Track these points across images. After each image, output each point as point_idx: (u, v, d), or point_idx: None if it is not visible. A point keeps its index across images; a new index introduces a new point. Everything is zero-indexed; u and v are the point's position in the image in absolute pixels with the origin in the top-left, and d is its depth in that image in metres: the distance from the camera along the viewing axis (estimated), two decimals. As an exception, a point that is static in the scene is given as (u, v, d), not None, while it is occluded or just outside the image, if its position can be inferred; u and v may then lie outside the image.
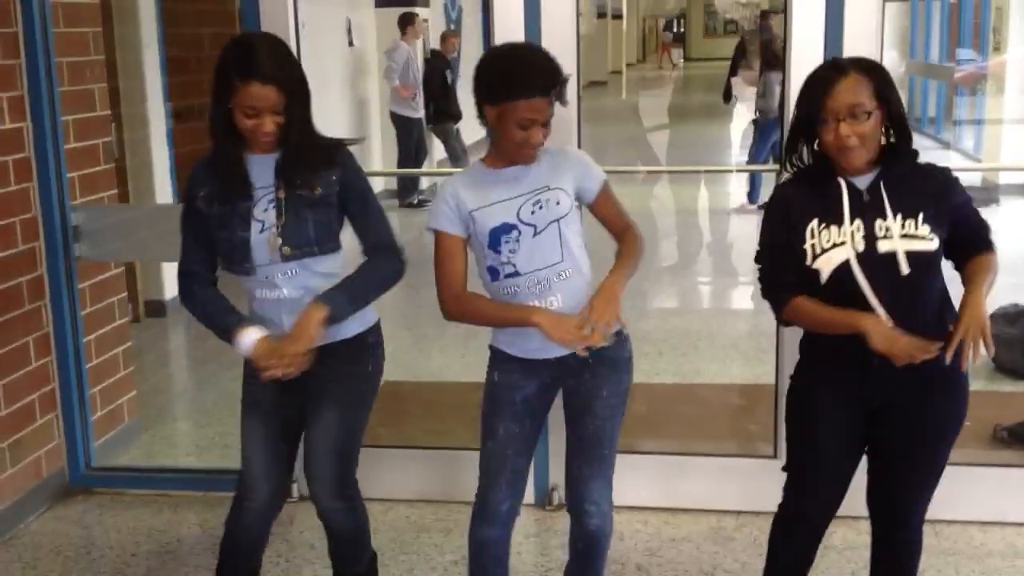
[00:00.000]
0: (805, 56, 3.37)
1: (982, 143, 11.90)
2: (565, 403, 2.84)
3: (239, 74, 2.53)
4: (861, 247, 2.45)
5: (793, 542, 2.82)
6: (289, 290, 2.69)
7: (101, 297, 4.22)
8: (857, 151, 2.45)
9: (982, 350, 2.45)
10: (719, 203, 9.78)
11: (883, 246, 2.45)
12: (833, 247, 2.47)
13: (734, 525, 3.69)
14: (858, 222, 2.47)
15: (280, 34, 3.49)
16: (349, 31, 10.11)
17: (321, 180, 2.69)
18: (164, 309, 6.47)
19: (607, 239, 2.83)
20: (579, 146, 3.57)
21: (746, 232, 8.58)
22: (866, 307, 2.45)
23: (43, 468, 3.96)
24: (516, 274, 2.66)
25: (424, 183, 10.79)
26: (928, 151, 13.26)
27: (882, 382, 2.52)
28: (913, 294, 2.48)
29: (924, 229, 2.46)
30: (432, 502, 3.90)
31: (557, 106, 2.64)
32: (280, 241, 2.64)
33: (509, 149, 2.64)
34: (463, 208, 2.67)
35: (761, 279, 2.64)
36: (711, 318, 6.69)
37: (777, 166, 3.25)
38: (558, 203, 2.66)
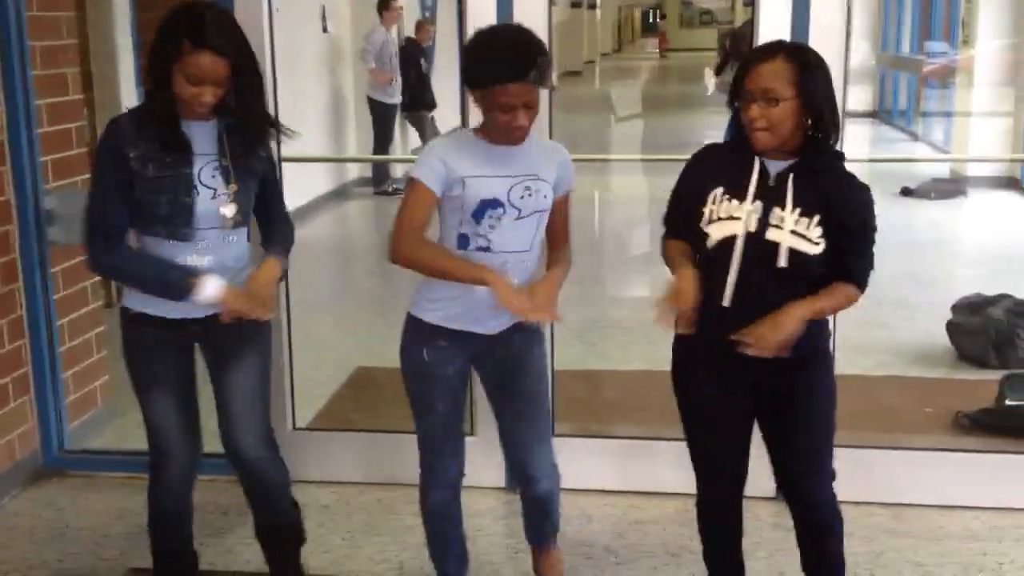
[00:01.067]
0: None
1: (951, 135, 12.03)
2: (495, 376, 2.90)
3: (191, 39, 2.53)
4: (752, 228, 2.52)
5: (712, 520, 2.90)
6: (219, 259, 2.72)
7: (74, 281, 4.23)
8: (762, 134, 2.51)
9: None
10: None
11: (771, 234, 2.52)
12: (728, 219, 2.54)
13: (700, 508, 3.75)
14: (758, 204, 2.54)
15: (254, 19, 3.55)
16: (324, 17, 10.08)
17: (256, 155, 2.78)
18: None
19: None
20: (550, 135, 3.61)
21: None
22: (723, 279, 2.54)
23: (16, 451, 3.98)
24: (487, 249, 2.70)
25: (398, 171, 10.80)
26: (897, 143, 13.44)
27: (743, 362, 2.57)
28: (782, 288, 2.53)
29: (815, 232, 2.52)
30: (404, 485, 3.92)
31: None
32: (234, 208, 2.69)
33: (495, 131, 2.67)
34: (454, 170, 2.67)
35: (665, 216, 2.77)
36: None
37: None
38: (545, 196, 2.72)
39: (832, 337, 3.52)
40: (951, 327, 5.36)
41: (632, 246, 8.00)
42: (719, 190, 2.57)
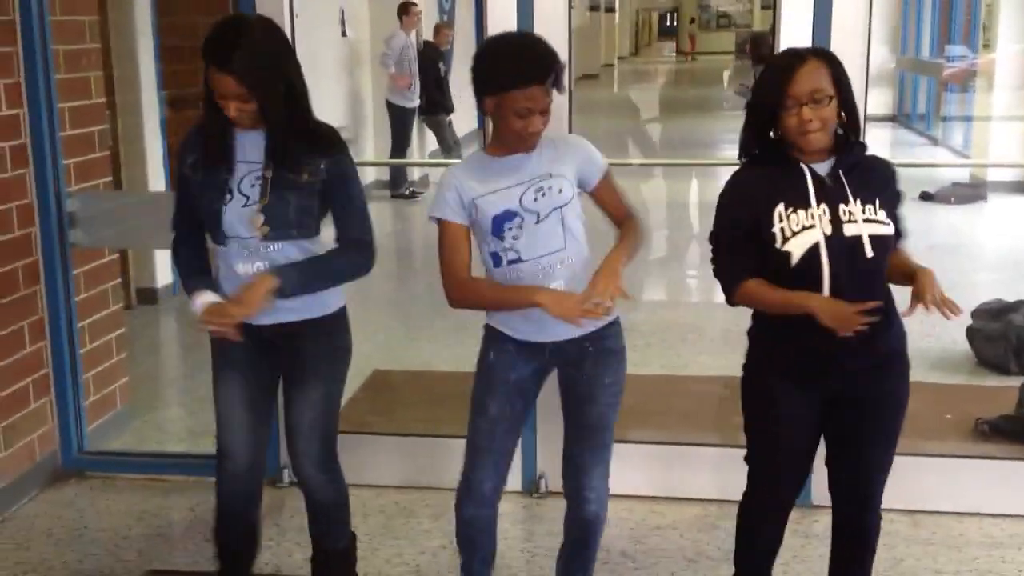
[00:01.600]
0: (794, 51, 3.43)
1: (971, 139, 11.97)
2: (565, 391, 2.87)
3: (205, 56, 2.58)
4: (829, 230, 2.52)
5: (760, 530, 2.88)
6: (264, 268, 2.72)
7: (95, 283, 4.26)
8: (818, 135, 2.52)
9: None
10: (709, 196, 9.79)
11: (849, 229, 2.52)
12: (803, 230, 2.52)
13: (718, 513, 3.75)
14: (824, 206, 2.53)
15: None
16: (343, 21, 10.11)
17: (308, 166, 2.72)
18: (156, 296, 6.50)
19: (606, 229, 2.87)
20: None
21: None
22: (819, 289, 2.52)
23: (36, 452, 4.00)
24: (519, 260, 2.69)
25: (415, 174, 10.82)
26: (917, 147, 13.38)
27: (835, 366, 2.58)
28: (873, 276, 2.56)
29: (882, 214, 2.55)
30: (421, 488, 3.95)
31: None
32: (262, 219, 2.68)
33: (509, 138, 2.67)
34: (465, 196, 2.70)
35: (715, 260, 2.70)
36: (700, 311, 6.74)
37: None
38: (560, 191, 2.70)
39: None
40: (971, 332, 5.33)
41: (650, 250, 7.99)
42: (780, 207, 2.54)
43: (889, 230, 2.55)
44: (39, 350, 3.99)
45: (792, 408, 2.67)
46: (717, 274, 2.69)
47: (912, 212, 2.66)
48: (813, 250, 2.51)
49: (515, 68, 2.59)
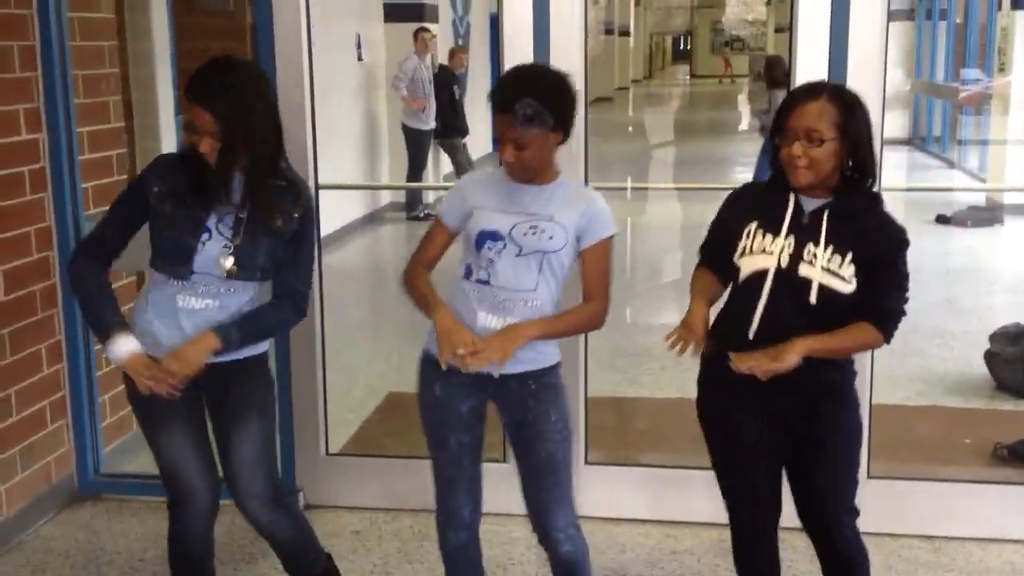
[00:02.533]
0: (810, 74, 3.41)
1: (987, 163, 11.94)
2: (512, 434, 2.85)
3: (186, 91, 2.62)
4: (784, 263, 2.54)
5: (747, 555, 2.86)
6: (224, 305, 2.72)
7: (112, 306, 4.27)
8: (802, 171, 2.53)
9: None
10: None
11: (803, 269, 2.53)
12: (761, 253, 2.56)
13: (735, 538, 3.72)
14: (791, 239, 2.55)
15: (292, 48, 3.59)
16: (359, 45, 10.18)
17: (282, 214, 2.73)
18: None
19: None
20: (586, 161, 3.62)
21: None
22: (751, 312, 2.55)
23: (52, 474, 4.01)
24: (486, 283, 2.69)
25: (430, 196, 10.86)
26: (932, 170, 13.35)
27: (767, 396, 2.59)
28: (807, 326, 2.52)
29: (847, 270, 2.52)
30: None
31: None
32: (232, 261, 2.69)
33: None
34: (467, 201, 2.76)
35: (701, 247, 2.82)
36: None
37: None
38: (551, 238, 2.68)
39: (871, 367, 3.50)
40: (989, 356, 5.30)
41: (664, 273, 7.99)
42: (753, 225, 2.60)
43: (845, 288, 2.51)
44: (56, 372, 4.01)
45: (740, 433, 2.69)
46: (699, 253, 2.82)
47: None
48: (760, 276, 2.55)
49: (493, 93, 2.66)
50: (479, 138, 11.91)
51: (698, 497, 3.83)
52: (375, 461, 4.13)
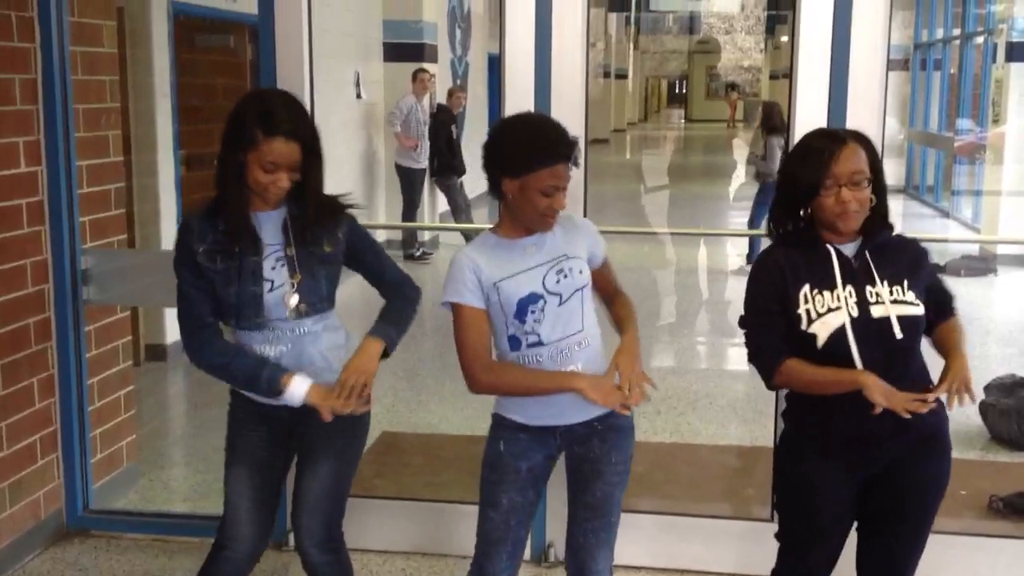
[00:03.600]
0: (809, 122, 3.44)
1: (980, 213, 12.00)
2: (571, 471, 2.83)
3: (263, 128, 2.56)
4: (855, 312, 2.52)
5: None
6: (296, 349, 2.70)
7: (106, 340, 4.25)
8: (856, 216, 2.54)
9: (966, 400, 2.56)
10: (718, 263, 9.85)
11: (876, 311, 2.52)
12: (829, 311, 2.53)
13: (729, 587, 3.69)
14: (849, 288, 2.54)
15: (295, 86, 3.60)
16: (358, 84, 10.24)
17: (329, 237, 2.74)
18: (165, 353, 6.49)
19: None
20: (585, 202, 3.63)
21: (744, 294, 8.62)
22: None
23: (42, 509, 3.97)
24: (540, 343, 2.67)
25: (426, 235, 10.87)
26: (926, 219, 13.41)
27: (873, 446, 2.57)
28: (905, 358, 2.55)
29: (910, 295, 2.55)
30: (428, 555, 3.90)
31: None
32: (297, 299, 2.67)
33: (530, 218, 2.66)
34: (485, 279, 2.67)
35: (748, 343, 2.68)
36: (709, 378, 6.71)
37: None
38: (581, 272, 2.71)
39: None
40: (984, 408, 5.29)
41: (659, 316, 7.98)
42: (806, 288, 2.56)
43: (918, 311, 2.54)
44: (48, 407, 3.98)
45: (830, 489, 2.65)
46: (752, 358, 2.66)
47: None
48: (839, 332, 2.51)
49: (542, 147, 2.61)
50: (476, 178, 11.94)
51: (692, 545, 3.81)
52: (367, 502, 4.08)
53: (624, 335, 2.75)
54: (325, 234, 2.74)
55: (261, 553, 2.90)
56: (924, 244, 2.71)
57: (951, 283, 2.68)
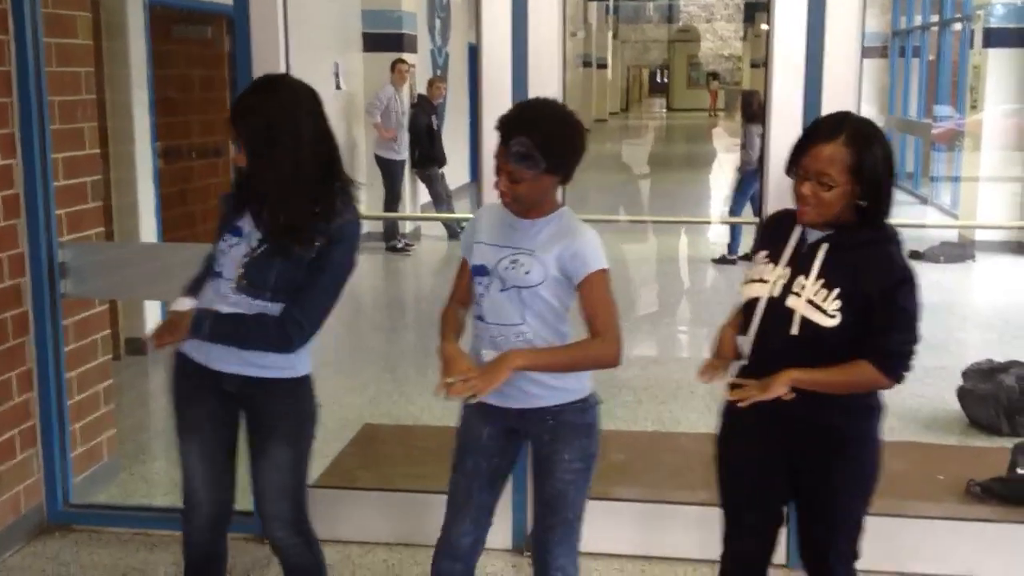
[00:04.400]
0: (785, 110, 3.47)
1: (959, 199, 12.07)
2: (533, 464, 2.86)
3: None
4: (776, 293, 2.57)
5: None
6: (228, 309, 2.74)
7: (84, 334, 4.23)
8: (808, 210, 2.54)
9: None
10: (699, 252, 9.87)
11: (790, 301, 2.55)
12: (758, 281, 2.60)
13: (710, 574, 3.70)
14: (788, 270, 2.58)
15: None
16: (337, 75, 10.20)
17: (304, 242, 2.67)
18: (145, 347, 6.47)
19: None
20: (563, 194, 3.62)
21: (726, 282, 8.66)
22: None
23: (22, 504, 3.95)
24: (481, 319, 2.73)
25: (407, 226, 10.86)
26: (905, 206, 13.48)
27: (777, 430, 2.62)
28: (798, 354, 2.52)
29: (832, 305, 2.49)
30: (411, 545, 3.90)
31: None
32: (242, 271, 2.70)
33: None
34: (473, 237, 2.80)
35: None
36: (690, 367, 6.69)
37: (757, 219, 3.31)
38: (527, 272, 2.66)
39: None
40: (962, 393, 5.33)
41: (640, 306, 8.00)
42: (762, 253, 2.66)
43: (828, 322, 2.48)
44: (26, 401, 3.96)
45: (749, 467, 2.72)
46: None
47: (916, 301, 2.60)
48: (753, 303, 2.60)
49: (504, 117, 2.67)
50: (457, 168, 11.93)
51: (675, 532, 3.83)
52: (349, 493, 4.09)
53: (526, 349, 2.64)
54: (302, 235, 2.67)
55: (227, 517, 2.97)
56: (906, 282, 2.51)
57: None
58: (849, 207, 2.52)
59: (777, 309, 2.55)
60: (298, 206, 2.67)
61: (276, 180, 2.65)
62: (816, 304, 2.50)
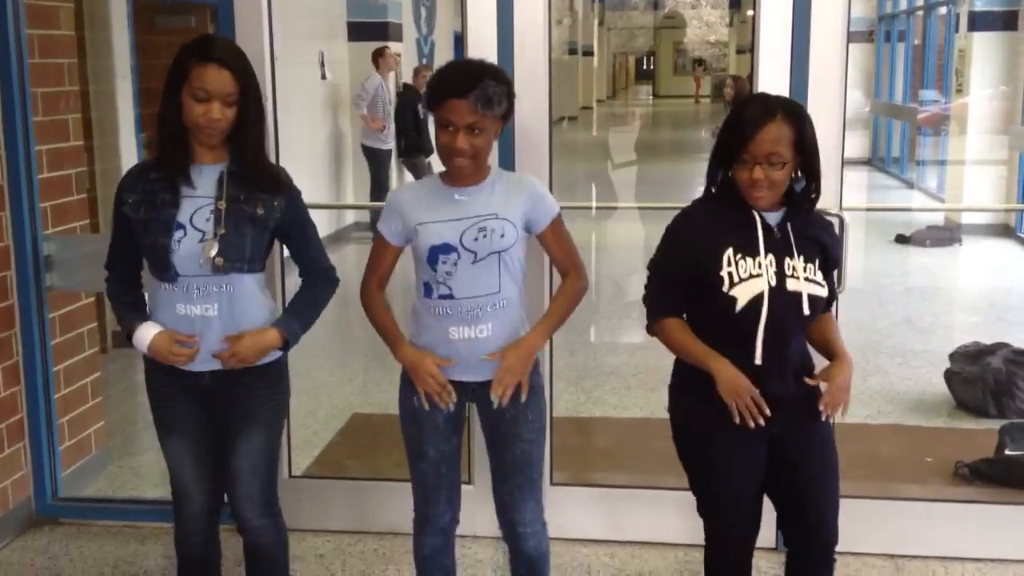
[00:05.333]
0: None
1: (945, 183, 12.10)
2: (489, 431, 2.88)
3: (195, 56, 2.62)
4: (774, 282, 2.56)
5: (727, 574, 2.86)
6: (228, 310, 2.72)
7: (71, 327, 4.21)
8: (765, 194, 2.56)
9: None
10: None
11: (791, 284, 2.57)
12: (751, 278, 2.56)
13: (701, 558, 3.71)
14: (771, 257, 2.57)
15: (255, 67, 3.55)
16: (322, 64, 10.16)
17: (263, 202, 2.74)
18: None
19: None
20: (550, 180, 3.62)
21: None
22: (751, 339, 2.55)
23: (10, 498, 3.94)
24: (450, 296, 2.71)
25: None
26: (892, 190, 13.52)
27: (778, 409, 2.60)
28: (800, 334, 2.64)
29: (819, 275, 2.61)
30: (401, 534, 3.89)
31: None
32: (216, 250, 2.67)
33: (440, 156, 2.69)
34: (408, 219, 2.74)
35: (648, 286, 2.74)
36: (679, 353, 6.74)
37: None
38: (502, 235, 2.69)
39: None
40: (949, 376, 5.36)
41: (627, 292, 8.00)
42: (729, 251, 2.57)
43: (824, 292, 2.61)
44: (13, 395, 3.94)
45: (731, 454, 2.68)
46: (645, 300, 2.74)
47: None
48: (757, 299, 2.55)
49: (439, 81, 2.67)
50: (443, 157, 11.88)
51: (664, 517, 3.83)
52: (339, 483, 4.09)
53: (533, 328, 2.79)
54: (261, 197, 2.74)
55: (219, 506, 2.98)
56: (837, 227, 2.77)
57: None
58: (786, 186, 2.59)
59: (781, 297, 2.55)
60: (261, 164, 2.77)
61: (256, 137, 2.71)
62: (812, 279, 2.58)
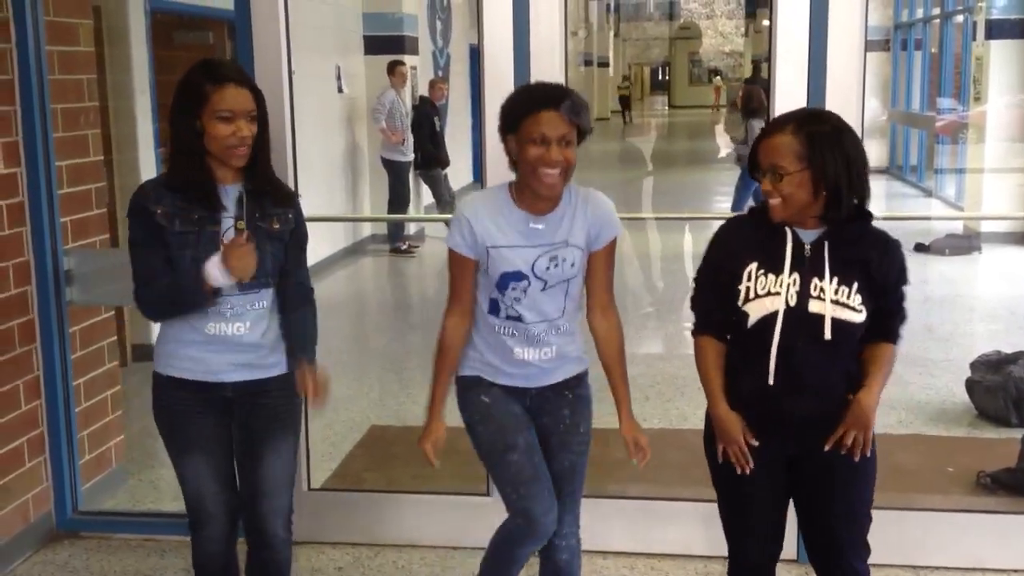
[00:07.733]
0: (788, 104, 3.43)
1: (963, 191, 12.04)
2: (541, 436, 2.84)
3: (211, 79, 2.63)
4: (793, 302, 2.49)
5: None
6: (248, 325, 2.73)
7: (91, 341, 4.23)
8: (776, 206, 2.50)
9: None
10: (702, 249, 9.80)
11: (813, 306, 2.48)
12: (767, 295, 2.50)
13: (720, 571, 3.69)
14: (795, 276, 2.50)
15: (273, 81, 3.59)
16: (339, 78, 10.21)
17: (279, 216, 2.78)
18: (152, 353, 6.45)
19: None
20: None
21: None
22: (765, 357, 2.50)
23: (31, 512, 3.95)
24: (519, 319, 2.71)
25: (411, 228, 10.86)
26: (910, 198, 13.47)
27: (794, 430, 2.57)
28: (831, 359, 2.52)
29: (856, 299, 2.49)
30: (419, 547, 3.90)
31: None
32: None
33: (528, 175, 2.62)
34: (480, 240, 2.69)
35: (694, 297, 2.70)
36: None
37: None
38: (572, 264, 2.70)
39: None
40: (970, 385, 5.32)
41: (645, 303, 7.99)
42: (754, 266, 2.52)
43: (857, 318, 2.48)
44: (34, 409, 3.96)
45: (753, 484, 2.63)
46: (692, 307, 2.71)
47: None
48: (769, 318, 2.49)
49: (531, 94, 2.67)
50: (459, 169, 11.93)
51: (684, 529, 3.82)
52: (358, 496, 4.10)
53: (621, 404, 2.86)
54: (276, 212, 2.77)
55: (237, 524, 2.95)
56: (903, 258, 2.58)
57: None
58: (818, 200, 2.47)
59: (800, 317, 2.48)
60: (271, 179, 2.83)
61: (267, 155, 2.76)
62: (842, 303, 2.48)
